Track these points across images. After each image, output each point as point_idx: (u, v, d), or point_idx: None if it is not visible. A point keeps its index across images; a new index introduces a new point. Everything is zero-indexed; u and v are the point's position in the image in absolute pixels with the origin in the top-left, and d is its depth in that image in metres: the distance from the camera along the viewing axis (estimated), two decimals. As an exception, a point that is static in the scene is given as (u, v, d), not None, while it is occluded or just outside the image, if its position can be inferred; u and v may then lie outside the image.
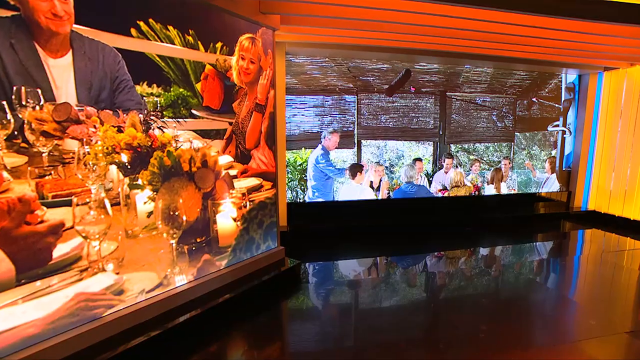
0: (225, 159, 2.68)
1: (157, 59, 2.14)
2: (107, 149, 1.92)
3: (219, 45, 2.50)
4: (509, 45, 3.94)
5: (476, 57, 4.47)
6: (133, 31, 2.00)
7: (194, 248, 2.51)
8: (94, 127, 1.84)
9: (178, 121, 2.31)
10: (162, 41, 2.15)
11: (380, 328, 2.44)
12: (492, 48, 4.08)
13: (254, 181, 2.94)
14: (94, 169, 1.86)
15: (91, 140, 1.84)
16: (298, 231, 4.32)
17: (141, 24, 2.03)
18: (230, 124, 2.69)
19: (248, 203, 2.90)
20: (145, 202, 2.17)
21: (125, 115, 2.00)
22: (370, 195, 4.72)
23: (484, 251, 4.10)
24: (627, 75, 4.87)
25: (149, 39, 2.08)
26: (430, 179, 5.01)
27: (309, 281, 3.33)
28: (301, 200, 4.53)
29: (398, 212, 4.84)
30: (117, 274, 2.05)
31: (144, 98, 2.09)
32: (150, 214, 2.20)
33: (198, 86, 2.41)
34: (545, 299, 2.90)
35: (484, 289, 3.09)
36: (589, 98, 5.27)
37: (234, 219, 2.79)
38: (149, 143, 2.14)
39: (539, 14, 2.90)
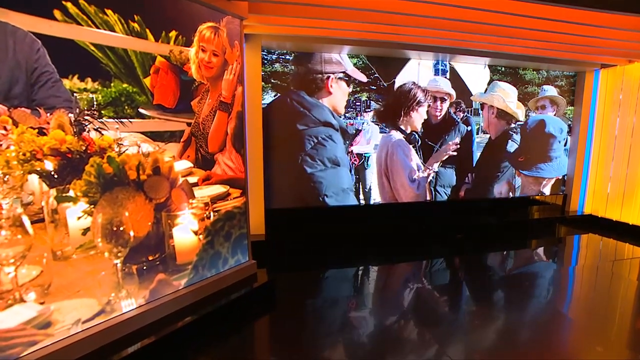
0: (182, 165, 2.36)
1: (92, 48, 1.82)
2: (23, 155, 1.59)
3: (173, 34, 2.18)
4: (496, 38, 3.64)
5: (461, 52, 4.17)
6: (57, 13, 1.67)
7: (144, 267, 2.18)
8: (4, 128, 1.51)
9: (122, 122, 1.98)
10: (98, 27, 1.83)
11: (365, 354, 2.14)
12: (478, 42, 3.80)
13: (219, 189, 2.62)
14: (5, 179, 1.53)
15: (0, 145, 1.51)
16: (279, 240, 4.02)
17: (68, 5, 1.70)
18: (189, 124, 2.37)
19: (212, 213, 2.58)
20: (79, 218, 1.84)
21: (49, 114, 1.67)
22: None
23: (474, 262, 3.82)
24: (625, 73, 4.63)
25: (80, 24, 1.75)
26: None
27: (285, 298, 3.02)
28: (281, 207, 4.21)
29: (386, 218, 4.54)
30: (42, 303, 1.72)
31: (75, 94, 1.76)
32: (86, 230, 1.87)
33: (147, 81, 2.09)
34: (541, 318, 2.62)
35: (476, 307, 2.81)
36: (585, 97, 5.03)
37: (195, 232, 2.47)
38: (83, 148, 1.81)
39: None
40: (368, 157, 4.42)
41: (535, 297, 2.90)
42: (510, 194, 5.02)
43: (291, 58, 4.01)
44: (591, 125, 5.09)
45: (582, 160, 5.17)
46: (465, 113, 4.69)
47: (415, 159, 4.53)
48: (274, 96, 4.03)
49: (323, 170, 4.21)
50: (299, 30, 3.45)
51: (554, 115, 5.05)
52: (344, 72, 4.19)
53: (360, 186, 4.43)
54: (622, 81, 4.67)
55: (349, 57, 4.19)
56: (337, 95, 4.19)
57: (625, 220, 4.65)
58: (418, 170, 4.53)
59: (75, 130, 1.77)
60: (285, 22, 3.21)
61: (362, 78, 4.28)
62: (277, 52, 3.96)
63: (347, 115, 4.29)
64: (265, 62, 3.95)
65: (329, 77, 4.13)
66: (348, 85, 4.24)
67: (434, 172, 4.65)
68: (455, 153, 4.69)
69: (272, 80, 4.00)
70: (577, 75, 5.09)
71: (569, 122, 5.17)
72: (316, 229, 4.26)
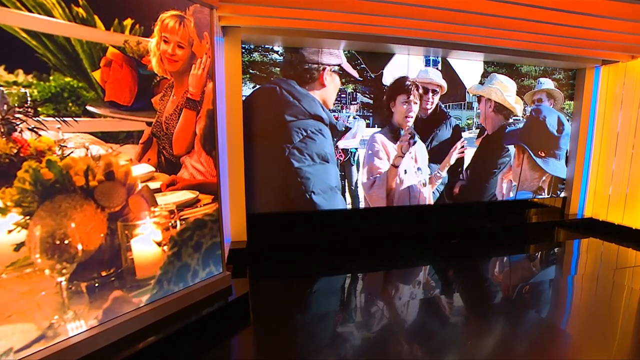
0: (142, 169, 2.12)
1: (24, 35, 1.57)
2: None
3: (128, 22, 1.94)
4: (490, 31, 3.40)
5: (455, 47, 3.94)
6: (-26, -7, 1.43)
7: (96, 285, 1.94)
8: None
9: (64, 121, 1.74)
10: (30, 11, 1.58)
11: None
12: (471, 35, 3.56)
13: (186, 195, 2.38)
14: None
15: None
16: (262, 247, 3.78)
17: (-10, -16, 1.46)
18: (149, 124, 2.12)
19: (179, 222, 2.34)
20: (10, 231, 1.60)
21: (-33, 112, 1.42)
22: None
23: (468, 270, 3.59)
24: (627, 70, 4.41)
25: (5, 6, 1.51)
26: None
27: (265, 312, 2.79)
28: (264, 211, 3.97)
29: (377, 222, 4.32)
30: (-38, 332, 1.48)
31: (2, 88, 1.52)
32: (20, 245, 1.63)
33: (96, 75, 1.84)
34: (538, 334, 2.39)
35: (467, 321, 2.57)
36: (586, 95, 4.81)
37: (159, 243, 2.23)
38: (14, 150, 1.57)
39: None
40: (354, 153, 4.18)
41: (532, 310, 2.66)
42: (511, 193, 4.79)
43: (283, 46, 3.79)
44: (591, 125, 4.87)
45: (582, 161, 4.95)
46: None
47: (394, 156, 4.26)
48: (260, 86, 3.79)
49: (311, 165, 3.97)
50: (279, 22, 3.21)
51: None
52: (339, 65, 3.96)
53: (347, 184, 4.18)
54: (624, 78, 4.45)
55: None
56: (330, 89, 3.97)
57: (628, 224, 4.43)
58: (405, 173, 4.29)
59: (2, 130, 1.52)
60: (263, 12, 2.97)
61: (355, 74, 4.06)
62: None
63: (331, 108, 4.06)
64: (256, 49, 3.72)
65: (324, 68, 3.91)
66: (341, 79, 4.02)
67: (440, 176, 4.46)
68: (463, 154, 4.48)
69: (262, 68, 3.77)
70: (577, 72, 4.87)
71: (568, 118, 4.94)
72: (302, 234, 4.02)
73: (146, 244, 2.16)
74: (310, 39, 3.60)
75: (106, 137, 1.90)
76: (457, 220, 4.60)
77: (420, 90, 4.25)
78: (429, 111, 4.36)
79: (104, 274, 1.96)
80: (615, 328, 2.43)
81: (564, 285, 3.18)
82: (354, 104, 4.14)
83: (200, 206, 2.48)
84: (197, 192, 2.46)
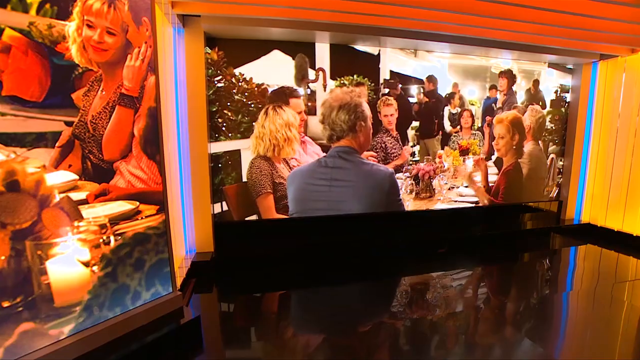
0: (60, 177, 1.79)
1: None
2: None
3: (33, 0, 1.61)
4: (463, 17, 3.09)
5: (428, 37, 3.54)
6: None
7: (-4, 317, 1.61)
8: None
9: (-57, 120, 1.40)
10: None
11: None
12: (457, 24, 3.24)
13: (122, 206, 2.05)
14: None
15: None
16: (233, 257, 3.47)
17: None
18: (69, 124, 1.80)
19: (113, 238, 2.01)
20: None
21: None
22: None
23: (455, 285, 3.28)
24: (627, 65, 4.12)
25: None
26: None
27: (224, 334, 2.48)
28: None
29: (358, 230, 3.98)
30: None
31: None
32: None
33: (-10, 64, 1.51)
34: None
35: (448, 345, 2.26)
36: (582, 93, 4.52)
37: (86, 263, 1.91)
38: None
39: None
40: None
41: (524, 334, 2.35)
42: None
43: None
44: (589, 125, 4.57)
45: (579, 163, 4.65)
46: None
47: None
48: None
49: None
50: (244, 9, 2.88)
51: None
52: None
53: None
54: (623, 74, 4.15)
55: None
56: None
57: (629, 230, 4.14)
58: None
59: None
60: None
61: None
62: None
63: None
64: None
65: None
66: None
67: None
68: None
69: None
70: (574, 68, 4.57)
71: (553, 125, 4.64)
72: (276, 243, 3.69)
73: (68, 265, 1.83)
74: (282, 29, 3.27)
75: (6, 139, 1.57)
76: (445, 227, 4.28)
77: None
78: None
79: (6, 304, 1.63)
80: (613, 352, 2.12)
81: (558, 303, 2.87)
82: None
83: (142, 218, 2.15)
84: (137, 203, 2.13)
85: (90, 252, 1.91)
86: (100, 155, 1.93)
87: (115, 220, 2.02)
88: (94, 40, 1.84)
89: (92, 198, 1.92)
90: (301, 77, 3.55)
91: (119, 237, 2.04)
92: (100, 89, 1.91)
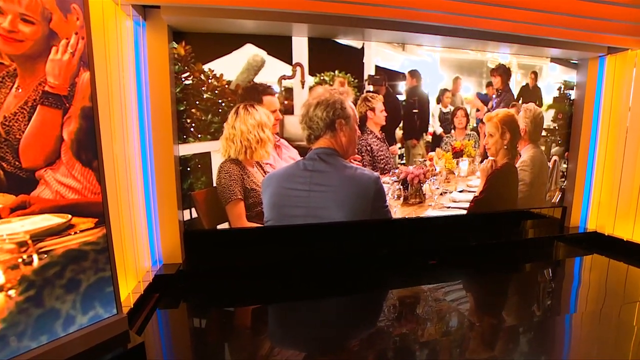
0: (-39, 189, 1.54)
1: None
2: None
3: None
4: (469, 6, 2.79)
5: (418, 29, 3.21)
6: None
7: None
8: None
9: None
10: None
11: None
12: (449, 13, 2.94)
13: (48, 220, 1.80)
14: None
15: None
16: (204, 268, 3.21)
17: None
18: (-27, 127, 1.54)
19: (37, 256, 1.76)
20: None
21: None
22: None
23: (446, 299, 2.98)
24: (638, 59, 3.77)
25: None
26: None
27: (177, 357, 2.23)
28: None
29: (339, 239, 3.69)
30: None
31: None
32: None
33: None
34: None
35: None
36: (588, 90, 4.17)
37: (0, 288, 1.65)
38: None
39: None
40: None
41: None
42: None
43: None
44: (595, 125, 4.22)
45: (584, 166, 4.30)
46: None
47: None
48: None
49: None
50: None
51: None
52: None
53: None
54: (634, 69, 3.80)
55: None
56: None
57: (639, 240, 3.79)
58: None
59: None
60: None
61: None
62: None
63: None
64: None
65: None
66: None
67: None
68: None
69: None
70: (579, 63, 4.22)
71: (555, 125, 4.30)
72: (250, 253, 3.42)
73: (-25, 290, 1.59)
74: (255, 22, 2.98)
75: None
76: (433, 236, 3.95)
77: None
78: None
79: None
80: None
81: (560, 325, 2.56)
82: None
83: (75, 233, 1.90)
84: (69, 216, 1.87)
85: (5, 275, 1.66)
86: (16, 163, 1.67)
87: (40, 236, 1.77)
88: (4, 28, 1.58)
89: (7, 212, 1.66)
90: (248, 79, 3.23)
91: (45, 256, 1.79)
92: (15, 85, 1.65)
